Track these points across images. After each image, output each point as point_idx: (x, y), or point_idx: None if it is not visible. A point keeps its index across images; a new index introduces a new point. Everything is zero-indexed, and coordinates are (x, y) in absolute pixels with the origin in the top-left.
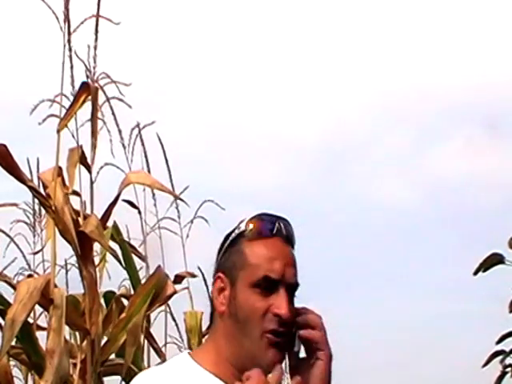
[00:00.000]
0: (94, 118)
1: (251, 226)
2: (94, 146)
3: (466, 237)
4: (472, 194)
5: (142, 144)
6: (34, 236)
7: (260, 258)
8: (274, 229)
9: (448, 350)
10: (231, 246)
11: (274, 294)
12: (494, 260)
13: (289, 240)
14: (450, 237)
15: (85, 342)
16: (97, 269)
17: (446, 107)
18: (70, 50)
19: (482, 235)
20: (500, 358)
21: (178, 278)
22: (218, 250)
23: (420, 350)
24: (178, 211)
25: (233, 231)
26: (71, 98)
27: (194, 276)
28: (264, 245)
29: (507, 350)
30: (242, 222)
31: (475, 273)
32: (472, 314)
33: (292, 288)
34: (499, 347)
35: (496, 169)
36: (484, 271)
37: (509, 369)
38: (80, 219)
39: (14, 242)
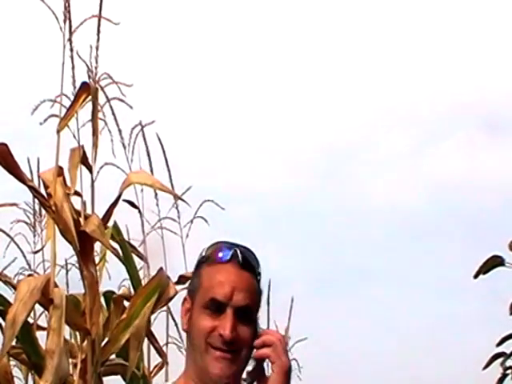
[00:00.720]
0: (94, 118)
1: (209, 251)
2: (95, 146)
3: (466, 237)
4: (472, 194)
5: (145, 143)
6: (35, 236)
7: (211, 282)
8: (229, 255)
9: (448, 352)
10: (195, 271)
11: (222, 316)
12: (495, 262)
13: (245, 266)
14: (449, 237)
15: (85, 342)
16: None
17: (446, 107)
18: (72, 50)
19: (482, 236)
20: (500, 360)
21: (183, 279)
22: None
23: (420, 352)
24: (178, 211)
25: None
26: (72, 98)
27: None
28: (218, 270)
29: (508, 352)
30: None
31: (476, 276)
32: (472, 316)
33: (242, 311)
34: (500, 349)
35: (496, 169)
36: (484, 273)
37: (509, 371)
38: (81, 219)
39: (15, 242)
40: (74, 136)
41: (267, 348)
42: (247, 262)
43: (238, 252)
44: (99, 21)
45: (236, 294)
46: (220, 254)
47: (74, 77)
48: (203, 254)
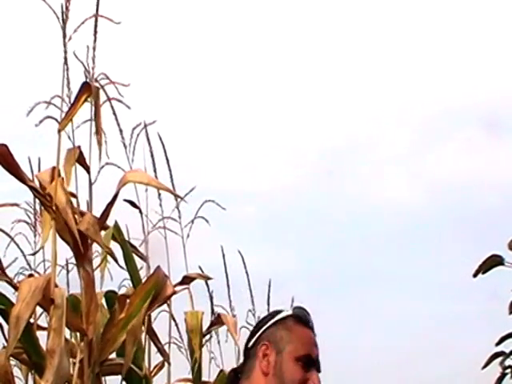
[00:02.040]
0: (97, 117)
1: (298, 312)
2: (99, 144)
3: (466, 237)
4: (473, 194)
5: (149, 143)
6: (35, 236)
7: (304, 340)
8: (310, 322)
9: (447, 352)
10: (278, 324)
11: (311, 371)
12: (494, 262)
13: (316, 334)
14: (449, 237)
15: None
16: (98, 269)
17: (447, 108)
18: (66, 52)
19: (482, 236)
20: (500, 359)
21: (187, 279)
22: (259, 323)
23: (419, 352)
24: (179, 211)
25: (276, 313)
26: (67, 99)
27: (207, 278)
28: (306, 332)
29: (507, 351)
30: (281, 310)
31: (475, 275)
32: (471, 316)
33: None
34: (499, 349)
35: (496, 169)
36: (483, 273)
37: (508, 370)
38: (76, 218)
39: (15, 242)
40: (69, 137)
41: None
42: None
43: (312, 321)
44: (96, 21)
45: (319, 355)
46: (308, 319)
47: (68, 78)
48: (289, 312)
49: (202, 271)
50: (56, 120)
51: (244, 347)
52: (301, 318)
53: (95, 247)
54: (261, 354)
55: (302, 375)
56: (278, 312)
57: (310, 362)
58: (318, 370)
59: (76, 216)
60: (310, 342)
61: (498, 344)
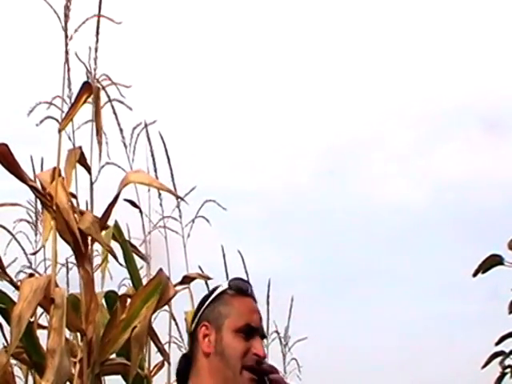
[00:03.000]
0: (97, 117)
1: (233, 285)
2: (99, 144)
3: (466, 237)
4: (473, 194)
5: (149, 143)
6: (36, 235)
7: (242, 310)
8: (248, 290)
9: (447, 351)
10: (215, 301)
11: (252, 340)
12: (494, 261)
13: (256, 301)
14: (450, 237)
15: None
16: (99, 269)
17: (447, 108)
18: (67, 52)
19: (482, 235)
20: (499, 359)
21: (187, 279)
22: (198, 305)
23: (419, 351)
24: (180, 211)
25: (213, 291)
26: (68, 100)
27: (208, 278)
28: (244, 301)
29: (507, 350)
30: (218, 286)
31: (474, 274)
32: (471, 315)
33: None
34: (499, 348)
35: (496, 169)
36: (483, 272)
37: (508, 370)
38: (76, 217)
39: (16, 240)
40: (70, 138)
41: (277, 374)
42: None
43: (252, 289)
44: (98, 22)
45: (261, 323)
46: (244, 288)
47: (69, 79)
48: (225, 286)
49: (202, 271)
50: (56, 120)
51: (188, 334)
52: (238, 288)
53: (95, 247)
54: (201, 335)
55: (243, 346)
56: (214, 289)
57: (250, 331)
58: (262, 337)
59: (76, 216)
60: (248, 311)
61: (497, 343)
